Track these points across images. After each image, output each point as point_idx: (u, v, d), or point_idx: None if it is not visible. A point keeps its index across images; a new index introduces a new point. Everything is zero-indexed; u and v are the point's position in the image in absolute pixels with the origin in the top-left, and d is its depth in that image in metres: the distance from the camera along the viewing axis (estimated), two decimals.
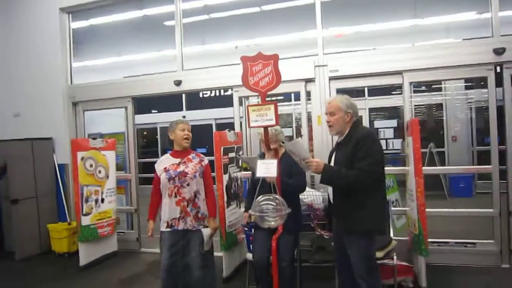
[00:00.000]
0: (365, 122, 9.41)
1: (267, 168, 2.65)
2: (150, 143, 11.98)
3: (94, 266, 4.95)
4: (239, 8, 6.87)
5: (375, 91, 9.39)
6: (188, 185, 3.28)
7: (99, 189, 5.10)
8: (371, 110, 9.54)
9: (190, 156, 3.40)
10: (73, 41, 6.20)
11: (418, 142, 3.69)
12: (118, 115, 6.31)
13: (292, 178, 3.16)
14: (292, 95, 9.13)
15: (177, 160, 3.37)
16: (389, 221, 3.93)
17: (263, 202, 2.65)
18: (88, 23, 6.67)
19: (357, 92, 9.67)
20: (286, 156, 2.92)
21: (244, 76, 2.60)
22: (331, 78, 4.73)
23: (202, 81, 5.30)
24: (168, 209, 3.29)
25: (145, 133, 11.99)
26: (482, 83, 8.05)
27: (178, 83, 5.33)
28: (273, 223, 2.66)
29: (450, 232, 4.77)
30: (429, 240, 4.32)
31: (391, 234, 3.85)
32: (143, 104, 8.86)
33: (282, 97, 9.79)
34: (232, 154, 4.43)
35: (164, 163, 3.40)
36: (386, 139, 9.41)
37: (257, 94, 2.75)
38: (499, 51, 4.12)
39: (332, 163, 2.84)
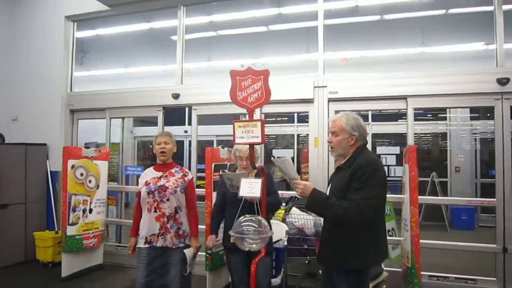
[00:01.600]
0: (368, 147, 9.30)
1: (251, 188, 2.53)
2: (152, 156, 11.90)
3: (76, 278, 4.80)
4: (246, 27, 6.88)
5: (381, 117, 9.31)
6: (168, 200, 3.16)
7: (88, 199, 4.99)
8: (374, 135, 9.40)
9: (172, 170, 3.29)
10: (78, 50, 6.23)
11: (414, 169, 3.56)
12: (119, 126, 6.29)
13: (269, 196, 3.03)
14: (295, 115, 9.09)
15: (159, 174, 3.27)
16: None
17: (244, 223, 2.51)
18: (95, 32, 6.72)
19: (361, 117, 9.58)
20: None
21: (233, 91, 2.51)
22: (330, 100, 4.65)
23: (201, 96, 5.22)
24: (147, 224, 3.16)
25: (150, 146, 11.93)
26: (488, 114, 7.98)
27: (176, 96, 5.27)
28: (254, 245, 2.51)
29: (449, 265, 4.56)
30: (427, 273, 4.20)
31: (384, 264, 3.69)
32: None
33: (286, 118, 9.77)
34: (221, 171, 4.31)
35: (147, 176, 3.31)
36: (388, 166, 9.24)
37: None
38: (502, 81, 4.03)
39: (329, 189, 2.62)
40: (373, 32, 6.74)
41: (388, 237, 4.62)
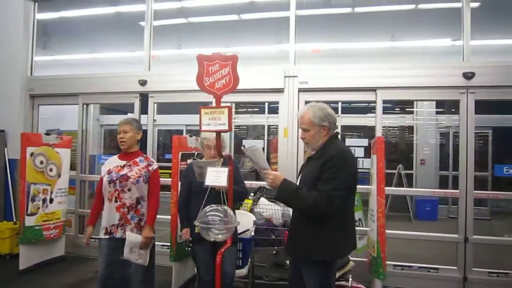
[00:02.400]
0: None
1: (217, 176, 2.45)
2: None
3: (36, 270, 4.60)
4: (218, 15, 6.74)
5: (351, 110, 9.43)
6: (129, 190, 3.04)
7: (48, 188, 4.76)
8: (344, 128, 9.51)
9: (137, 159, 3.17)
10: (41, 32, 5.91)
11: (382, 161, 3.58)
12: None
13: (235, 185, 2.97)
14: (266, 106, 9.05)
15: (123, 163, 3.14)
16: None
17: (210, 213, 2.44)
18: (59, 15, 6.39)
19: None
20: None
21: (199, 76, 2.41)
22: (300, 90, 4.62)
23: (169, 83, 5.06)
24: (107, 214, 3.05)
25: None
26: (453, 109, 8.22)
27: (143, 82, 5.10)
28: (219, 236, 2.44)
29: (413, 255, 4.68)
30: (392, 263, 4.27)
31: (350, 255, 3.72)
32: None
33: (257, 109, 9.71)
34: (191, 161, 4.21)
35: (110, 164, 3.17)
36: (356, 158, 9.38)
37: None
38: (468, 75, 4.12)
39: (299, 180, 2.58)
40: (345, 25, 6.77)
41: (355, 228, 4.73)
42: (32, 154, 4.60)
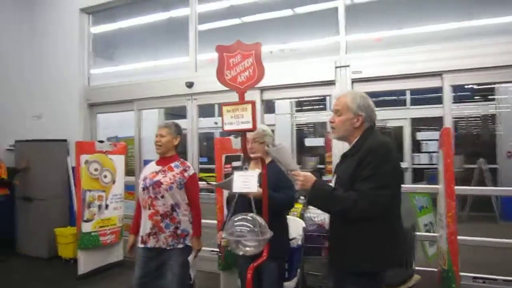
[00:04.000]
0: (407, 133, 8.68)
1: (246, 182, 2.17)
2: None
3: (94, 275, 4.70)
4: (271, 11, 6.47)
5: (420, 101, 8.63)
6: (162, 197, 2.86)
7: (103, 194, 4.85)
8: (413, 120, 8.72)
9: (172, 165, 2.99)
10: (99, 44, 6.08)
11: (450, 156, 3.03)
12: (146, 119, 6.09)
13: (279, 191, 2.63)
14: (328, 101, 8.58)
15: (158, 168, 2.99)
16: (413, 251, 3.29)
17: (238, 223, 2.17)
18: (117, 26, 6.59)
19: (399, 101, 8.96)
20: (273, 165, 2.39)
21: (219, 69, 2.14)
22: (354, 81, 4.17)
23: (212, 84, 4.88)
24: (143, 223, 2.93)
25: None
26: None
27: (189, 85, 4.99)
28: (248, 249, 2.16)
29: (498, 264, 3.96)
30: (471, 275, 3.65)
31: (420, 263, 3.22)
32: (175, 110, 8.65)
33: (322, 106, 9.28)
34: (237, 163, 3.98)
35: (146, 171, 3.05)
36: (429, 152, 8.57)
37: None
38: None
39: (334, 180, 2.25)
40: (410, 9, 6.13)
41: (424, 233, 4.16)
42: (86, 161, 4.70)
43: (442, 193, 3.12)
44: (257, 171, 2.38)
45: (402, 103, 8.91)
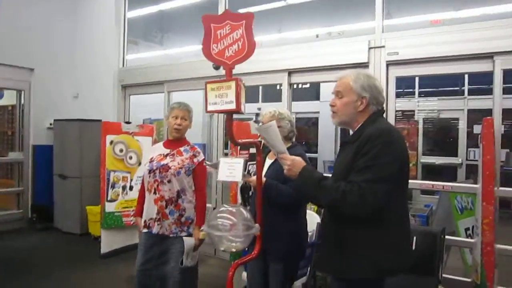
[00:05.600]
0: (463, 126, 7.92)
1: (231, 170, 1.94)
2: None
3: (115, 255, 4.72)
4: None
5: (479, 91, 7.85)
6: (169, 181, 2.72)
7: (128, 175, 4.85)
8: (470, 112, 7.93)
9: (181, 149, 2.82)
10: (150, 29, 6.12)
11: (490, 152, 2.58)
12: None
13: (288, 183, 2.36)
14: None
15: (166, 151, 2.84)
16: (440, 257, 2.88)
17: (220, 215, 1.94)
18: (157, 8, 6.60)
19: (454, 91, 8.20)
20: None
21: (206, 42, 1.90)
22: (389, 63, 3.74)
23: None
24: (147, 207, 2.80)
25: None
26: None
27: (216, 67, 4.79)
28: (233, 244, 1.94)
29: None
30: None
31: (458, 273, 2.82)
32: None
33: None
34: (254, 150, 3.74)
35: (154, 152, 2.91)
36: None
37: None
38: None
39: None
40: None
41: (464, 238, 3.67)
42: (111, 142, 4.71)
43: (479, 194, 2.68)
44: (245, 158, 2.13)
45: (460, 93, 8.17)
